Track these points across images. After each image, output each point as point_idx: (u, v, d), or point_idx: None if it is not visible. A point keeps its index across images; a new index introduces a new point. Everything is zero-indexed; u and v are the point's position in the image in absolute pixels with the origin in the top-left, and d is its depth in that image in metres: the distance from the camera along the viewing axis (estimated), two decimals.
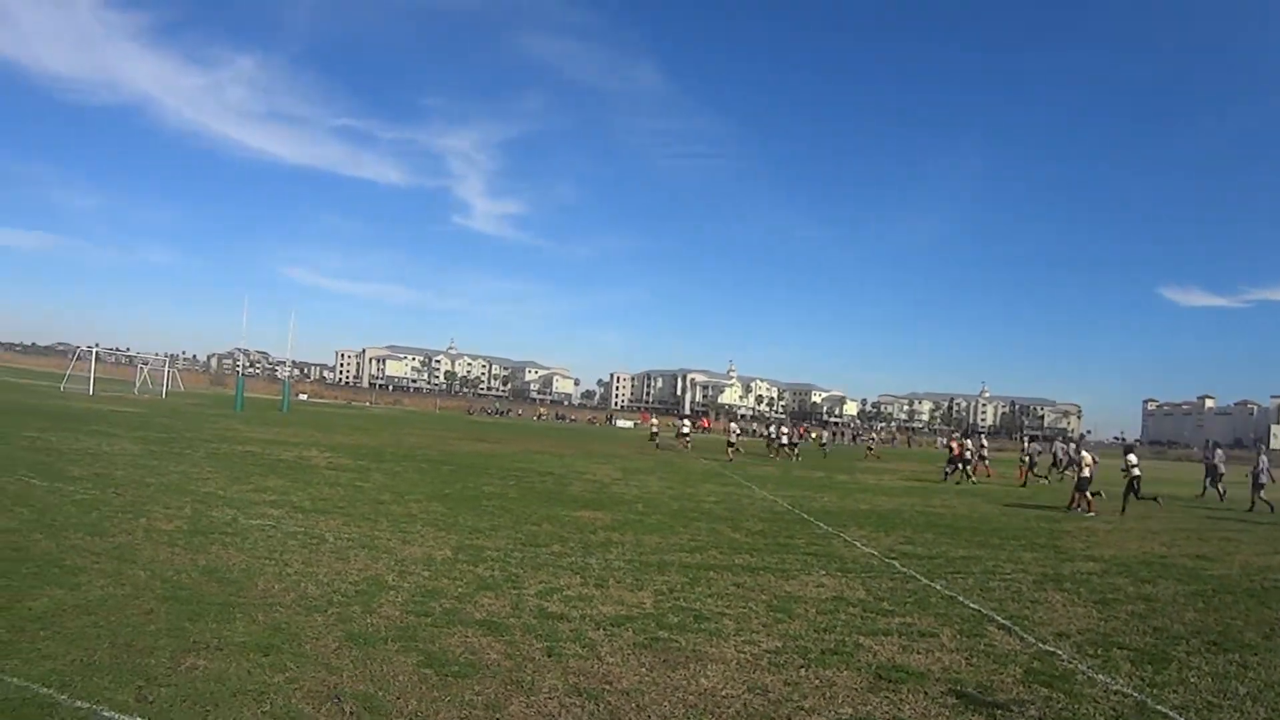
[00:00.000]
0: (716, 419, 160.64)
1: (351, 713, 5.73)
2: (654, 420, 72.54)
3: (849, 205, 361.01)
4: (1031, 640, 8.64)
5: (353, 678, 6.39)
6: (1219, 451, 32.47)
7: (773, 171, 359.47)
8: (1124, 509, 23.40)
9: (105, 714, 5.33)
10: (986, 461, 41.00)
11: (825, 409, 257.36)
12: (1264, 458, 27.80)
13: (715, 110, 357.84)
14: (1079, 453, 28.18)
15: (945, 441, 55.03)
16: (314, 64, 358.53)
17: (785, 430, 49.42)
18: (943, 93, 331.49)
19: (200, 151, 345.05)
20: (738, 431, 47.11)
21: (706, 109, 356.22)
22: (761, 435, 52.11)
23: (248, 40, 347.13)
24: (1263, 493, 26.09)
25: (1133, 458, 25.04)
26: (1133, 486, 24.11)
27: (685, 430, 49.98)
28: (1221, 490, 30.25)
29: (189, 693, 5.80)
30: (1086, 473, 23.66)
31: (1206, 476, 31.92)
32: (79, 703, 5.45)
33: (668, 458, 39.94)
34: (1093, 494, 23.60)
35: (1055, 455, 42.25)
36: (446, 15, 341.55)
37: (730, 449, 42.55)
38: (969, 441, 34.15)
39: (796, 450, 46.64)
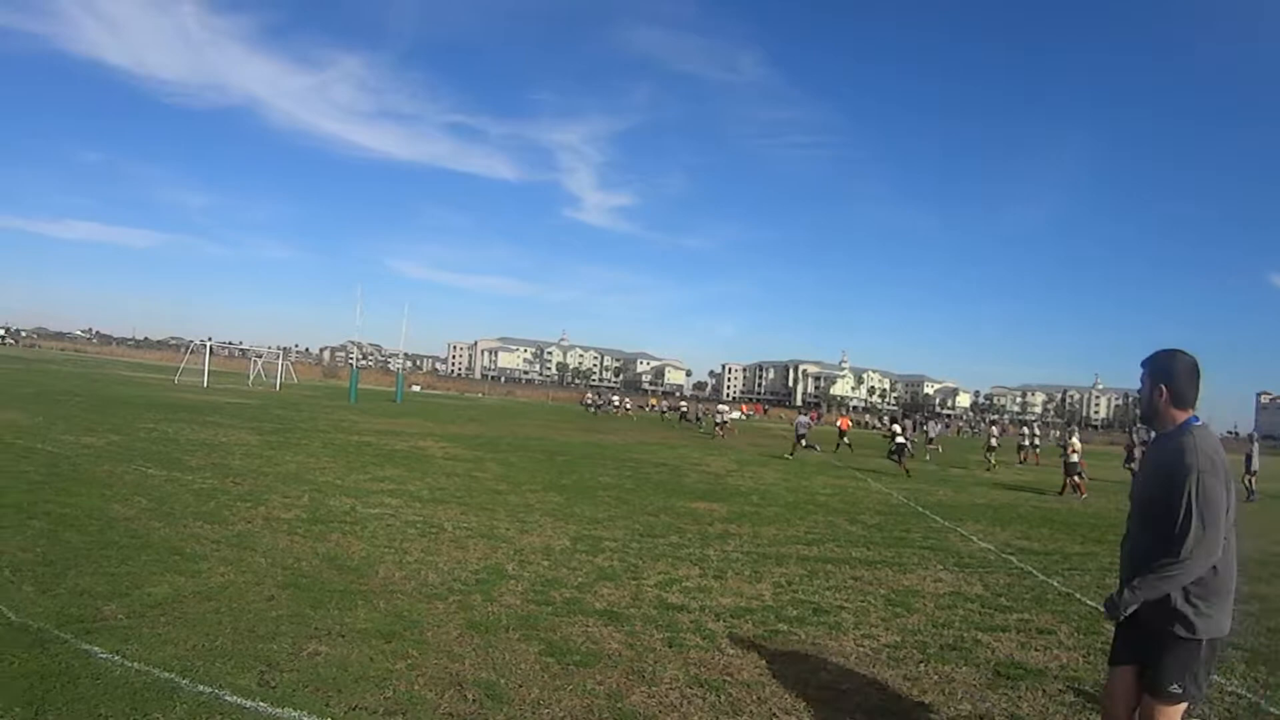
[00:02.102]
0: (828, 410, 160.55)
1: (474, 700, 5.77)
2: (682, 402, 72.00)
3: (960, 194, 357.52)
4: None
5: (475, 665, 6.45)
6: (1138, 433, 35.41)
7: (882, 160, 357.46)
8: (907, 472, 28.65)
9: (228, 698, 5.43)
10: (1037, 450, 42.88)
11: (937, 400, 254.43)
12: (1256, 445, 29.77)
13: (822, 100, 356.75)
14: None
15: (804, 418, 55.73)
16: (421, 62, 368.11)
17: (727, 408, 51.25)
18: (1053, 83, 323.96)
19: (311, 150, 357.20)
20: (726, 410, 47.92)
21: (813, 98, 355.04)
22: (876, 428, 52.37)
23: (354, 41, 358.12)
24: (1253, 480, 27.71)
25: (897, 427, 32.06)
26: (892, 451, 30.22)
27: (726, 419, 49.97)
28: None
29: (311, 678, 5.90)
30: (1074, 458, 25.65)
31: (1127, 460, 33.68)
32: (201, 687, 5.57)
33: (781, 449, 39.74)
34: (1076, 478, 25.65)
35: (927, 433, 46.95)
36: (551, 11, 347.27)
37: (719, 429, 43.22)
38: (902, 423, 34.98)
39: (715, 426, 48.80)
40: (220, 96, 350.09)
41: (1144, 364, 4.40)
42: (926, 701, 6.40)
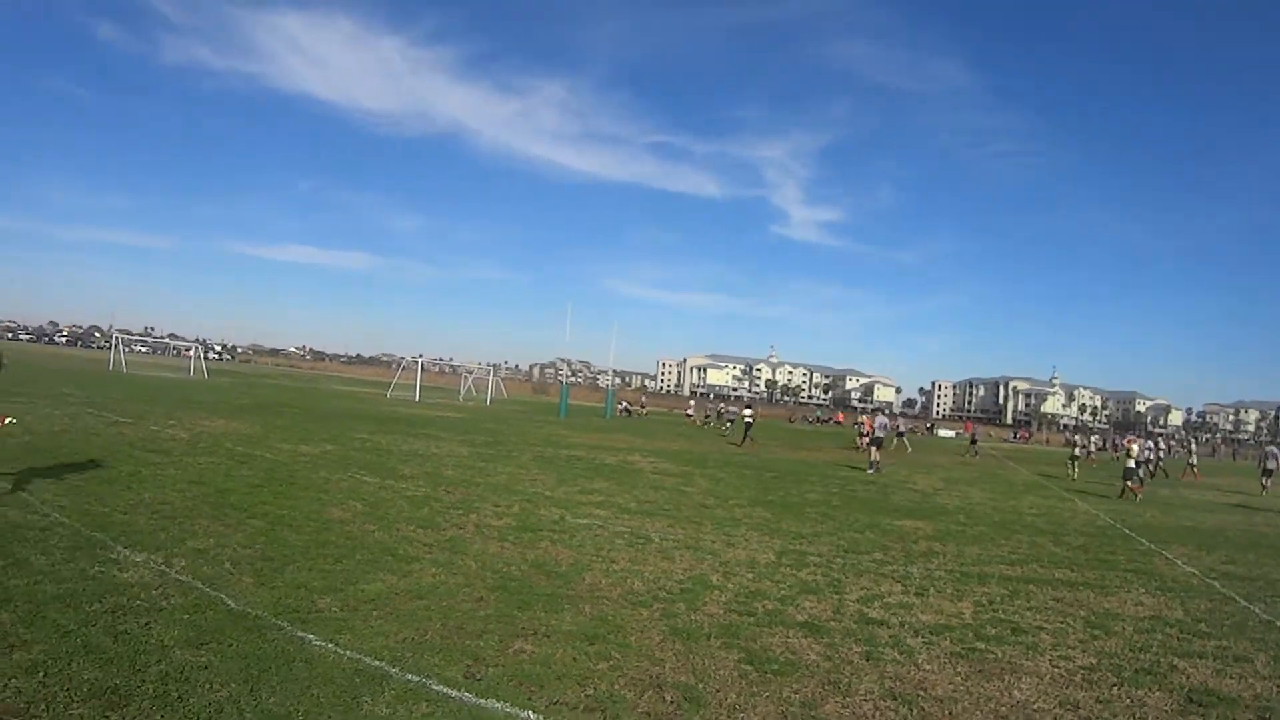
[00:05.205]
0: (1039, 429, 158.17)
1: (672, 702, 5.95)
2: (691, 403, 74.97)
3: (1173, 199, 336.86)
4: None
5: (674, 669, 6.66)
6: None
7: (1092, 166, 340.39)
8: (741, 441, 39.37)
9: (435, 687, 5.77)
10: (1195, 468, 42.95)
11: (1149, 418, 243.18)
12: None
13: (1026, 105, 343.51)
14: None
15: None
16: (623, 85, 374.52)
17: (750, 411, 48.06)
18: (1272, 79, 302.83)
19: (517, 173, 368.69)
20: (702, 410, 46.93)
21: (1016, 104, 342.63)
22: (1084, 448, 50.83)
23: (555, 67, 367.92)
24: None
25: (748, 411, 43.37)
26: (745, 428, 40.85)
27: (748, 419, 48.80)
28: None
29: (515, 673, 6.21)
30: (1131, 463, 27.79)
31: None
32: (409, 676, 5.93)
33: (989, 468, 39.53)
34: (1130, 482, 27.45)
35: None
36: (746, 29, 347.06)
37: (690, 419, 42.81)
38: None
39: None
40: (427, 125, 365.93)
41: None
42: None
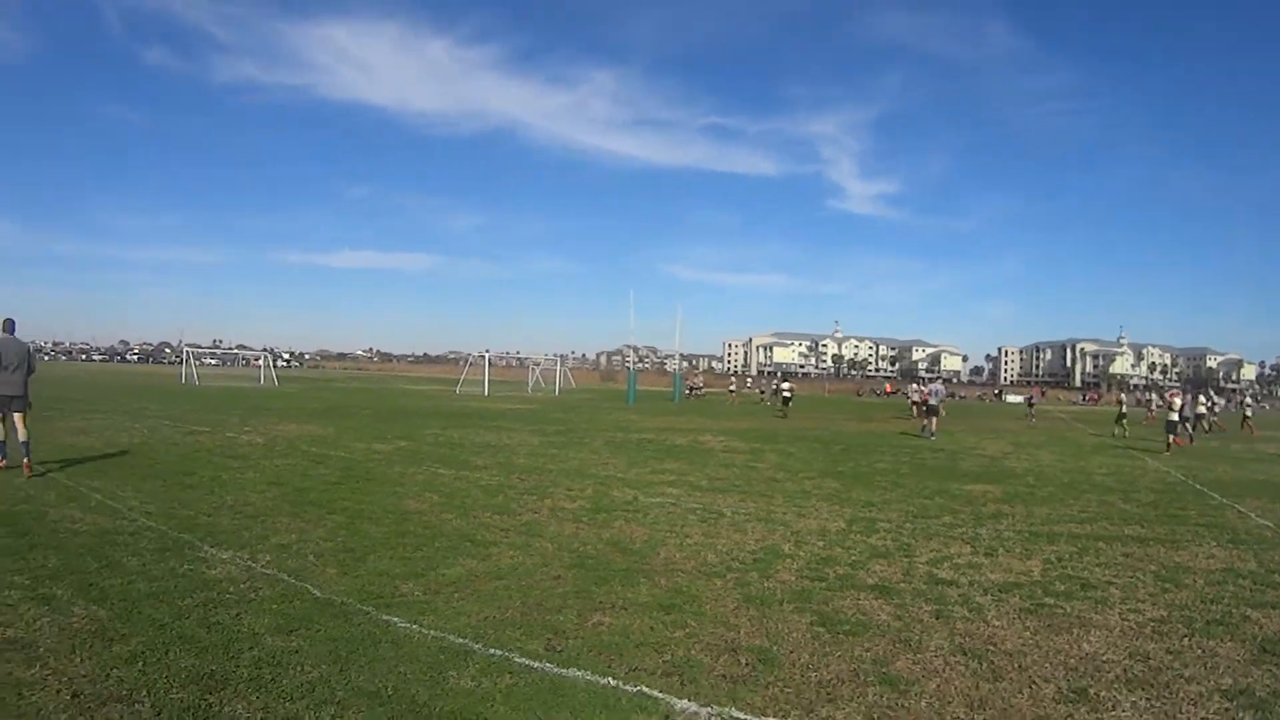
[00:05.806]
0: (1108, 390, 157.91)
1: (747, 664, 6.14)
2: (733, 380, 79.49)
3: (1234, 148, 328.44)
4: None
5: (749, 634, 6.84)
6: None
7: (1152, 119, 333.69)
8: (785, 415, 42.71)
9: (517, 660, 6.00)
10: (1250, 421, 44.14)
11: (1221, 374, 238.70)
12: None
13: (1076, 60, 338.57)
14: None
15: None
16: (672, 70, 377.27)
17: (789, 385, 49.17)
18: None
19: (573, 164, 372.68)
20: (736, 384, 49.67)
21: (1066, 60, 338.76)
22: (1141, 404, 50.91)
23: (604, 57, 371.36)
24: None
25: (786, 385, 47.75)
26: (785, 401, 46.00)
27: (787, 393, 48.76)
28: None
29: (594, 644, 6.42)
30: (1174, 416, 29.18)
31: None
32: (492, 651, 6.16)
33: (1058, 430, 39.77)
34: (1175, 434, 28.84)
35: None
36: (791, 5, 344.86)
37: (732, 395, 50.98)
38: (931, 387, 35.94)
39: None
40: (480, 122, 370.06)
41: None
42: (1187, 675, 6.35)
